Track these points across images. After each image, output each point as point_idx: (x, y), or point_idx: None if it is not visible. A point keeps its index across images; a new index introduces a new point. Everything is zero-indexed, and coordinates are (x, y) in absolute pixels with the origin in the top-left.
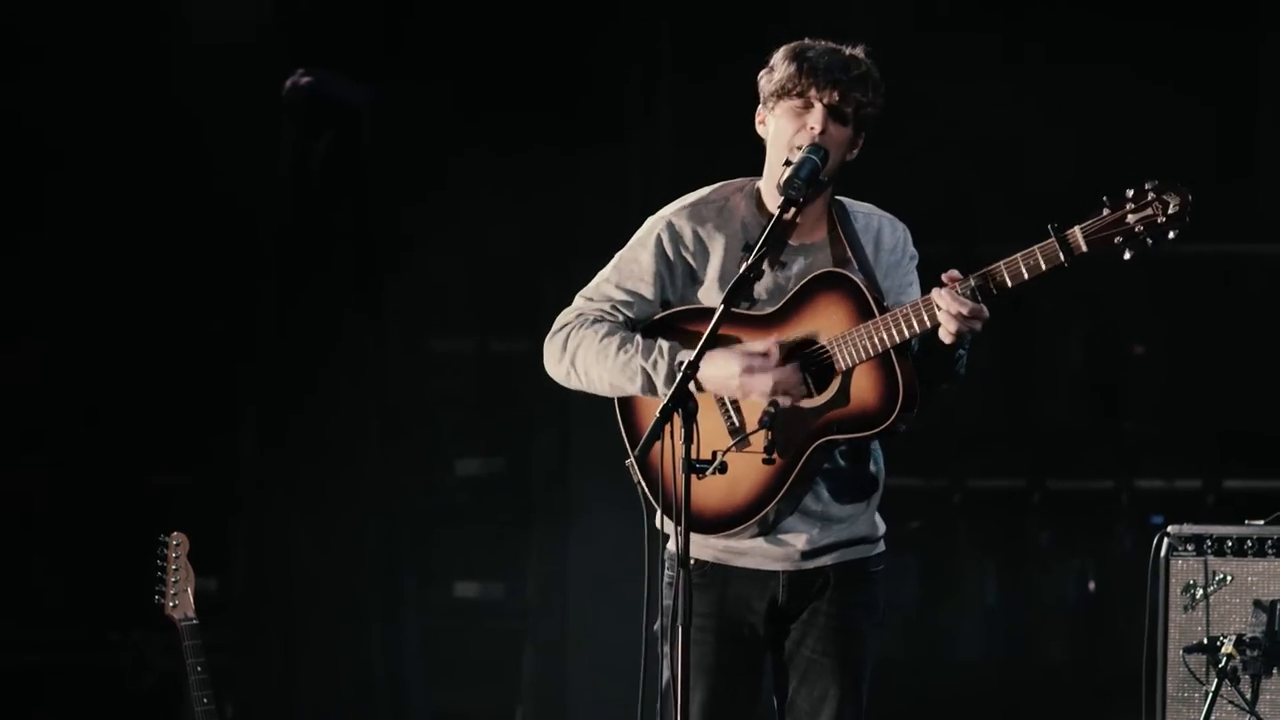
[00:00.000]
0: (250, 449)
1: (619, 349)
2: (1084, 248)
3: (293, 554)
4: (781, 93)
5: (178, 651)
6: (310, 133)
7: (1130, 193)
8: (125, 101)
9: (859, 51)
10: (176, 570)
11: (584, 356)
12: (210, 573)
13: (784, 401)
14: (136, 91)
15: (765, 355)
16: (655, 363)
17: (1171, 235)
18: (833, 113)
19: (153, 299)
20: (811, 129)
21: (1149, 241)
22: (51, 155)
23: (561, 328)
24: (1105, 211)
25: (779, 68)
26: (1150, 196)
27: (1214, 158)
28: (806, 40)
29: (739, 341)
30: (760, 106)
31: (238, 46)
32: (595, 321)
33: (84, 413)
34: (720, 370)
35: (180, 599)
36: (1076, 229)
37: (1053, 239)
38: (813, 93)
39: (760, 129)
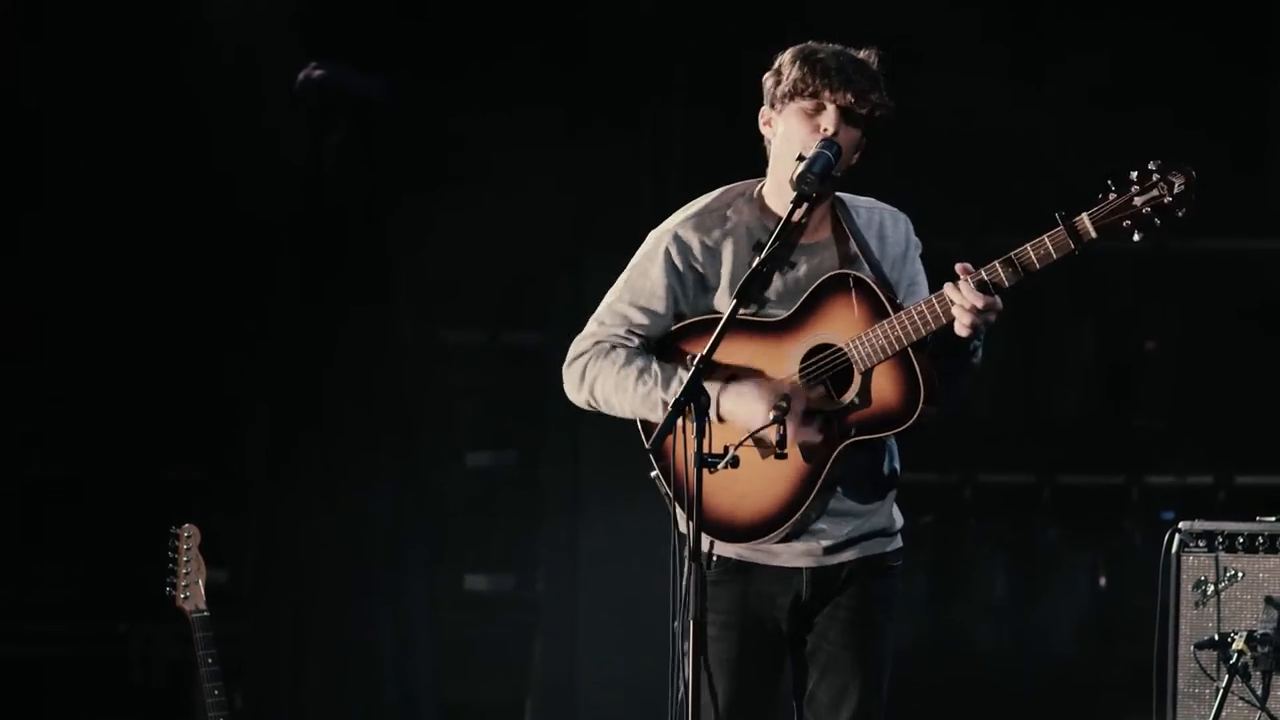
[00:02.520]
0: (262, 441)
1: (638, 380)
2: (1093, 233)
3: (304, 547)
4: (792, 94)
5: (188, 643)
6: (323, 125)
7: (1135, 175)
8: (138, 94)
9: (870, 54)
10: (188, 562)
11: (603, 387)
12: (221, 565)
13: (795, 403)
14: (149, 84)
15: (768, 386)
16: (675, 394)
17: (1180, 214)
18: (845, 114)
19: (166, 290)
20: (825, 130)
21: (1157, 222)
22: (64, 143)
23: (578, 356)
24: (1111, 196)
25: (788, 69)
26: (1155, 178)
27: (1228, 151)
28: (813, 43)
29: (753, 352)
30: (765, 108)
31: (251, 38)
32: (612, 349)
33: (96, 405)
34: (739, 407)
35: (191, 590)
36: (1084, 215)
37: (1061, 227)
38: (826, 94)
39: (765, 130)
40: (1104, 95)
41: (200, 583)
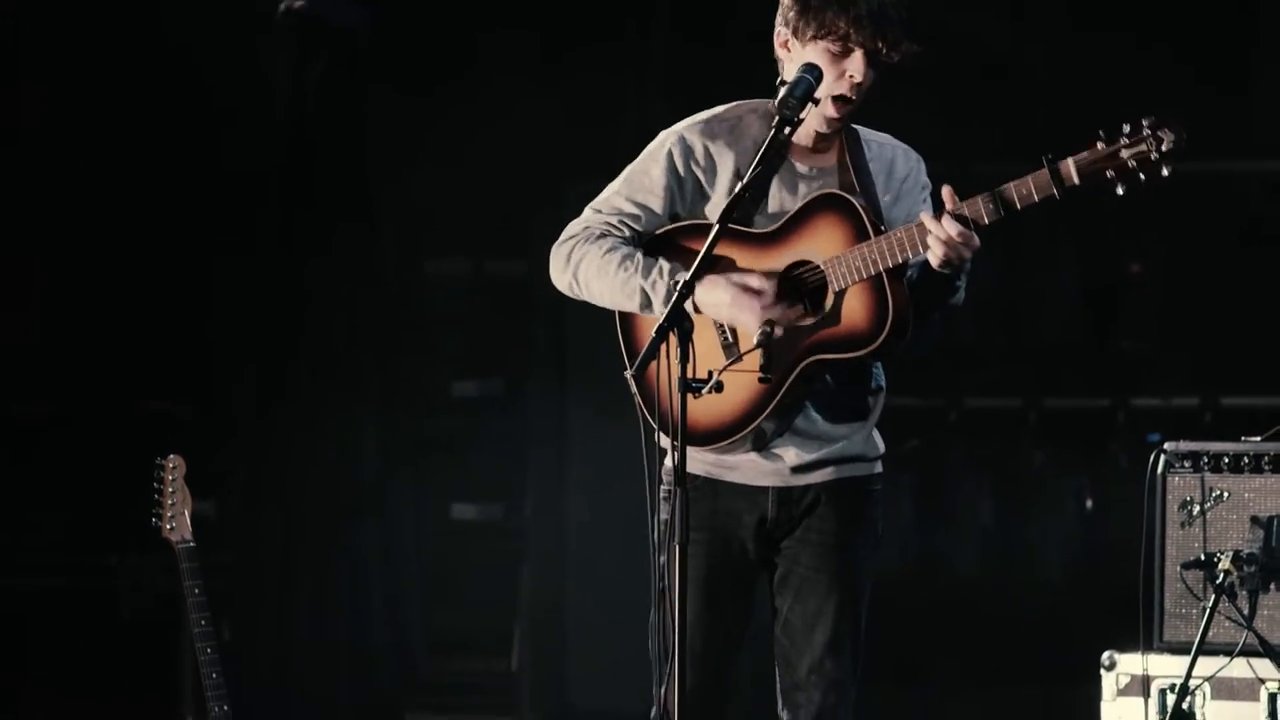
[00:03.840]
0: (248, 374)
1: (619, 266)
2: (1076, 179)
3: (290, 478)
4: (819, 32)
5: (175, 574)
6: (305, 56)
7: (1126, 127)
8: (118, 25)
9: None
10: (174, 493)
11: (586, 270)
12: (208, 496)
13: (779, 324)
14: (130, 20)
15: (759, 292)
16: (654, 282)
17: (1165, 172)
18: (872, 61)
19: (151, 223)
20: (851, 77)
21: (1141, 177)
22: (44, 79)
23: (568, 239)
24: (1100, 145)
25: (815, 6)
26: (1145, 132)
27: (1211, 74)
28: None
29: (736, 261)
30: (783, 27)
31: None
32: (600, 236)
33: (82, 338)
34: (713, 297)
35: (178, 521)
36: (1070, 160)
37: (1045, 169)
38: (853, 37)
39: (780, 51)
40: (1090, 18)
41: (186, 514)
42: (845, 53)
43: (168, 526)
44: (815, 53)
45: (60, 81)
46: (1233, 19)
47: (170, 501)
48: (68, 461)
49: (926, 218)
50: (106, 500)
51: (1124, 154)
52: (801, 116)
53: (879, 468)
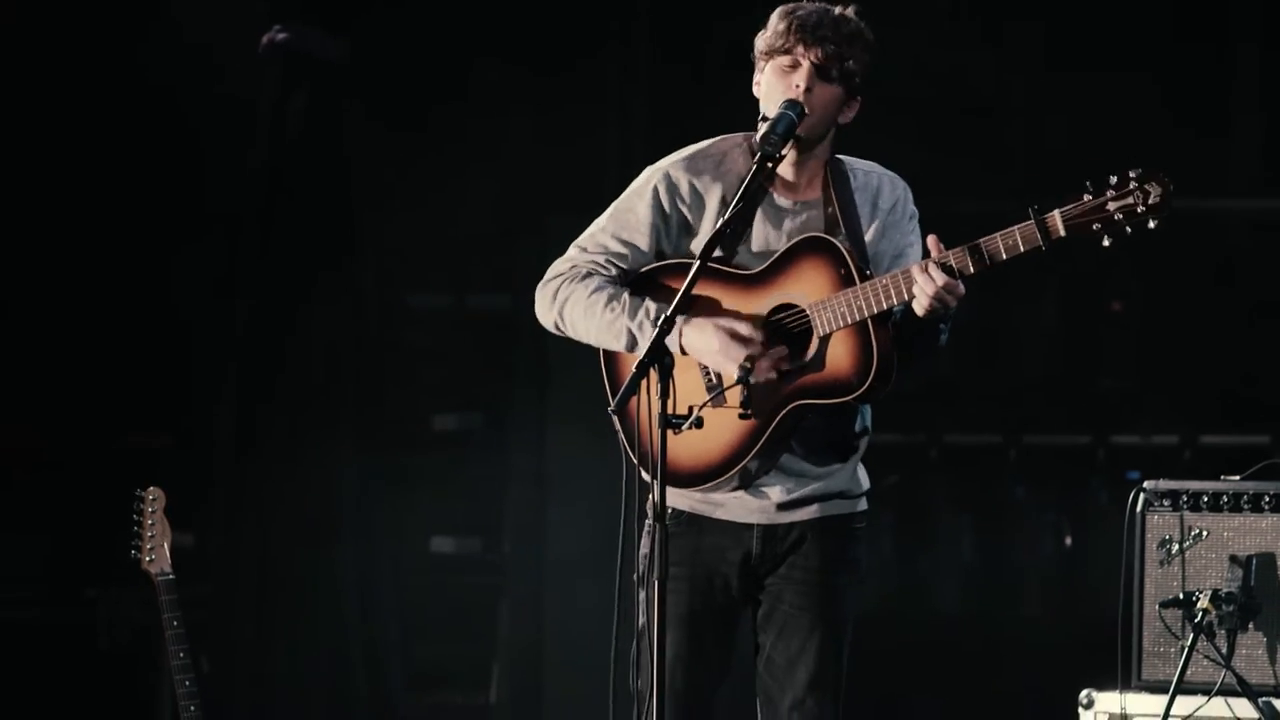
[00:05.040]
0: (228, 405)
1: (606, 306)
2: (1062, 232)
3: (268, 510)
4: (771, 50)
5: (154, 606)
6: (287, 88)
7: (1113, 179)
8: (99, 57)
9: (849, 11)
10: (153, 525)
11: (572, 310)
12: (187, 528)
13: (763, 371)
14: (111, 51)
15: (747, 339)
16: (641, 323)
17: (1151, 225)
18: (819, 71)
19: (132, 254)
20: (797, 86)
21: (1128, 230)
22: (22, 106)
23: (554, 277)
24: (1086, 197)
25: (770, 26)
26: (1132, 185)
27: (1190, 114)
28: (801, 1)
29: (721, 302)
30: (755, 68)
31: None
32: (586, 275)
33: (62, 369)
34: (700, 342)
35: (157, 554)
36: (1056, 213)
37: (1031, 221)
38: (799, 50)
39: (755, 90)
40: (1070, 57)
41: (166, 546)
42: (794, 66)
43: (147, 559)
44: (772, 72)
45: (39, 115)
46: (1212, 59)
47: (149, 534)
48: (46, 494)
49: (914, 267)
50: (85, 532)
51: (1111, 206)
52: (784, 153)
53: (864, 505)
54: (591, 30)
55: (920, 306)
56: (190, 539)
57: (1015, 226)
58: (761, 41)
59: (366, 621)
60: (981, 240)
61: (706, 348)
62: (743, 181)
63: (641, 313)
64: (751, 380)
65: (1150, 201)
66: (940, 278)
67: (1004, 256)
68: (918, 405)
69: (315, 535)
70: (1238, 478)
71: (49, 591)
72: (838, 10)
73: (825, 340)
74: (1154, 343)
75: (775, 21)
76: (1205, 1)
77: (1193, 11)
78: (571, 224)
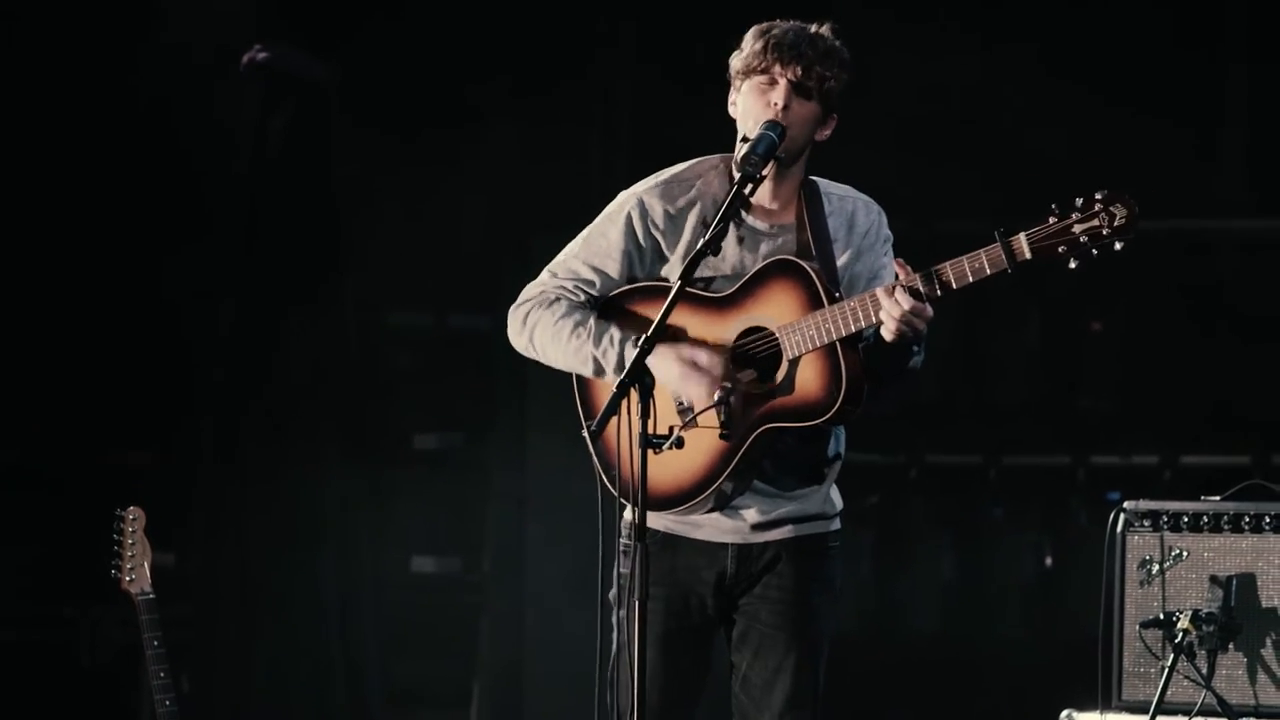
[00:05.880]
0: (209, 424)
1: (572, 333)
2: (1028, 254)
3: (249, 530)
4: (747, 70)
5: (134, 626)
6: (269, 108)
7: (1079, 201)
8: (86, 71)
9: (825, 29)
10: (133, 545)
11: (540, 336)
12: (167, 548)
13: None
14: (99, 65)
15: (705, 369)
16: (605, 350)
17: (1117, 247)
18: (796, 88)
19: (113, 272)
20: (774, 104)
21: (1094, 253)
22: (6, 121)
23: (524, 302)
24: (1052, 220)
25: (746, 46)
26: (1097, 207)
27: (1178, 134)
28: (776, 20)
29: (688, 327)
30: (731, 88)
31: (203, 20)
32: (554, 301)
33: (42, 388)
34: (661, 370)
35: (137, 573)
36: (1022, 235)
37: (998, 244)
38: (776, 69)
39: (731, 110)
40: (1059, 73)
41: (146, 565)
42: (771, 84)
43: (127, 578)
44: (749, 91)
45: (24, 129)
46: (1201, 79)
47: (130, 553)
48: (26, 513)
49: (880, 291)
50: (65, 552)
51: (1076, 228)
52: (764, 174)
53: (837, 524)
54: (575, 52)
55: (888, 331)
56: (171, 558)
57: (981, 250)
58: (738, 61)
59: (346, 641)
60: (948, 264)
61: (668, 375)
62: (720, 204)
63: (606, 339)
64: (732, 402)
65: (1116, 223)
66: (907, 302)
67: (970, 280)
68: (898, 425)
69: (296, 555)
70: (1218, 498)
71: (29, 611)
72: (813, 28)
73: (795, 363)
74: (1134, 363)
75: (751, 41)
76: (1196, 21)
77: (1184, 31)
78: (553, 244)
